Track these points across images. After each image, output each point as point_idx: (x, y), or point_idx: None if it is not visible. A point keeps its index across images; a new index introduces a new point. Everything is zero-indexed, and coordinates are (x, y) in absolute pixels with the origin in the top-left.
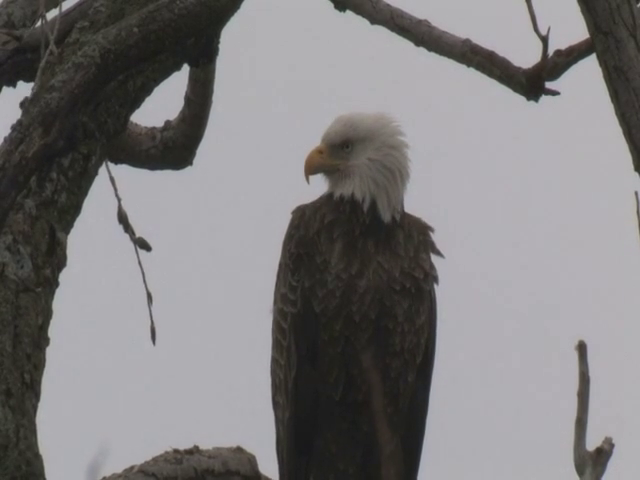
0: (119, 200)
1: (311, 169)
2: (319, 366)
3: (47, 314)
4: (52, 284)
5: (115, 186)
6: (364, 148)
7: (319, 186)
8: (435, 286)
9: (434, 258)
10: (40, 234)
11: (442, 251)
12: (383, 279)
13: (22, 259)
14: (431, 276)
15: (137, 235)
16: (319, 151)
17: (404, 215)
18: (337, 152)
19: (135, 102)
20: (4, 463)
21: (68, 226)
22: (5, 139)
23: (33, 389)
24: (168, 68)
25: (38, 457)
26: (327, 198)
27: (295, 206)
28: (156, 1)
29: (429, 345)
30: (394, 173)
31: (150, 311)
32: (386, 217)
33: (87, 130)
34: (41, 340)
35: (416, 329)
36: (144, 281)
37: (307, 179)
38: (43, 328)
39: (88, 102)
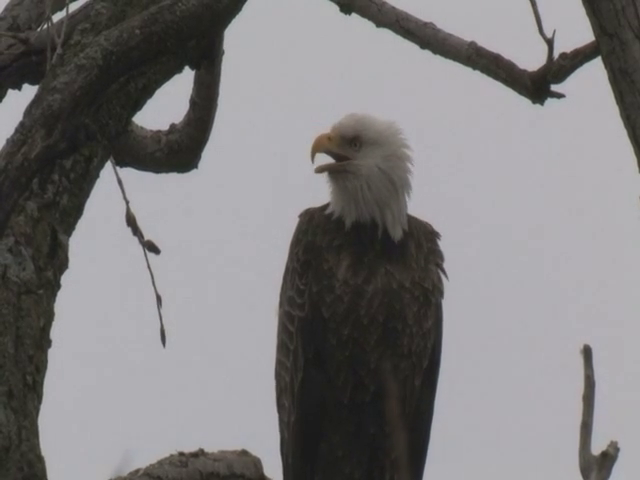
0: (127, 203)
1: (318, 150)
2: (327, 369)
3: (49, 316)
4: (54, 286)
5: (123, 188)
6: (372, 152)
7: (323, 190)
8: (441, 299)
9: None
10: (42, 236)
11: (446, 255)
12: (391, 282)
13: (24, 261)
14: (437, 289)
15: (145, 238)
16: (328, 137)
17: (409, 220)
18: (345, 146)
19: (137, 104)
20: (6, 465)
21: (70, 228)
22: (7, 141)
23: (35, 391)
24: (170, 70)
25: (40, 459)
26: (336, 223)
27: (303, 209)
28: (157, 3)
29: (435, 350)
30: (396, 187)
31: (160, 313)
32: (397, 235)
33: (89, 132)
34: (43, 342)
35: (423, 332)
36: (153, 284)
37: (312, 158)
38: (45, 330)
39: (90, 104)
